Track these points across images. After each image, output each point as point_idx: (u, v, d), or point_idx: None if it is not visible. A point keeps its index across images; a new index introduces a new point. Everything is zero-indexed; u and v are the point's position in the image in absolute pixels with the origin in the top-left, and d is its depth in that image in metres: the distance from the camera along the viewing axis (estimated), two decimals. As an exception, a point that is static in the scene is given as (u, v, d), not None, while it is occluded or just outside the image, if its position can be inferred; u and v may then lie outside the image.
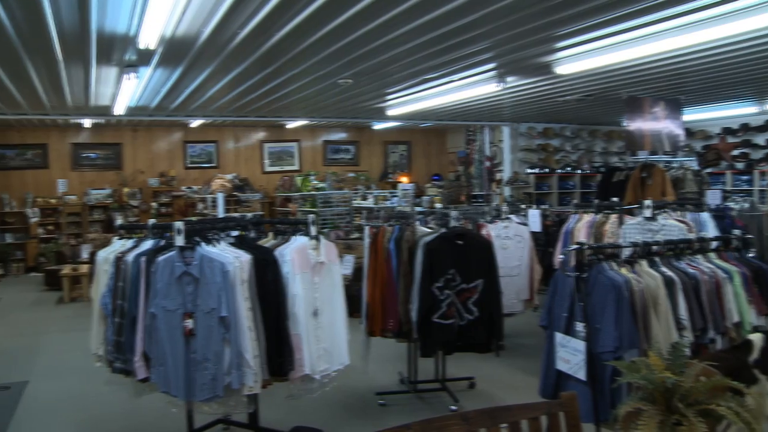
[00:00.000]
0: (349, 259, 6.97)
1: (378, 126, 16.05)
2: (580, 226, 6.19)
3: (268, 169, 17.18)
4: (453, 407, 5.55)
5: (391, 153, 18.56)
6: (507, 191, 13.94)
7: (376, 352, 5.93)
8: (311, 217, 4.69)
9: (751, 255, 4.42)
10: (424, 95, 10.05)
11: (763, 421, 3.43)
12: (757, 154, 12.48)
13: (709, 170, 12.35)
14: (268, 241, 4.72)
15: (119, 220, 12.57)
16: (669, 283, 3.90)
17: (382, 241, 5.51)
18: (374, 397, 5.87)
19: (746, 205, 8.73)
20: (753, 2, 5.34)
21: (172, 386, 4.04)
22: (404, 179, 16.80)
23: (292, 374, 4.32)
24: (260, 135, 16.99)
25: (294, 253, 4.36)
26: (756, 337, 3.42)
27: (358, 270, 6.46)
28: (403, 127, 16.52)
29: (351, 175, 16.39)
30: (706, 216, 5.91)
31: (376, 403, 5.79)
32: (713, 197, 7.96)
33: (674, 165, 8.70)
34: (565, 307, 3.99)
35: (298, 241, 4.51)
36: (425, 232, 5.54)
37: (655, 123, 8.63)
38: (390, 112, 12.32)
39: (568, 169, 14.50)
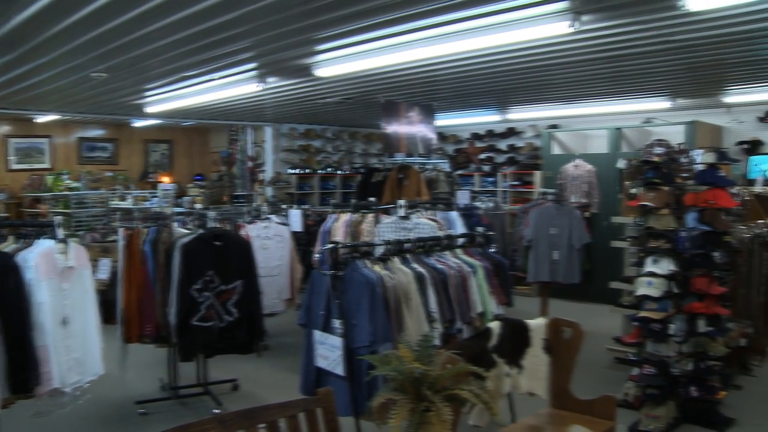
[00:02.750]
0: (106, 262, 6.59)
1: (138, 123, 15.30)
2: (338, 225, 6.35)
3: (14, 166, 15.70)
4: (216, 410, 5.45)
5: (152, 152, 17.79)
6: (269, 191, 13.94)
7: (134, 359, 5.69)
8: (57, 219, 4.37)
9: (492, 250, 4.78)
10: (184, 93, 9.74)
11: (500, 400, 3.74)
12: (500, 158, 13.56)
13: (459, 172, 13.18)
14: (8, 246, 4.31)
15: None
16: (420, 278, 4.11)
17: (137, 243, 5.29)
18: (134, 406, 5.60)
19: (491, 205, 9.48)
20: (496, 21, 5.77)
21: None
22: (165, 179, 16.21)
23: (38, 389, 3.97)
24: (4, 129, 15.49)
25: (38, 258, 4.02)
26: (495, 325, 3.71)
27: (115, 274, 6.13)
28: (165, 125, 15.88)
29: (109, 174, 15.51)
30: (455, 215, 6.31)
31: (135, 412, 5.52)
32: (463, 197, 8.54)
33: (428, 167, 9.19)
34: (322, 305, 4.06)
35: (43, 244, 4.17)
36: (183, 233, 5.39)
37: (411, 127, 9.08)
38: (149, 110, 11.80)
39: (330, 169, 14.80)
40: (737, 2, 5.17)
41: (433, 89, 9.49)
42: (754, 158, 10.17)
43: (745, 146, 10.34)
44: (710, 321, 5.21)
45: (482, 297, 4.42)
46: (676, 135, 8.79)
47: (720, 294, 5.18)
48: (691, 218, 5.25)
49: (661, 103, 10.43)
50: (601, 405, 3.85)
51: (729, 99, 9.97)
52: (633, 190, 5.89)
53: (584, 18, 5.60)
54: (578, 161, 10.13)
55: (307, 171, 14.45)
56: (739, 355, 6.39)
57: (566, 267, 7.60)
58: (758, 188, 7.69)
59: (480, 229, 4.92)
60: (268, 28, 5.98)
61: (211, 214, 5.70)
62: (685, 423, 5.23)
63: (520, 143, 13.35)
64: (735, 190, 6.12)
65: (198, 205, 12.26)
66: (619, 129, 10.25)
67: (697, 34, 6.19)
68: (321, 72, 7.93)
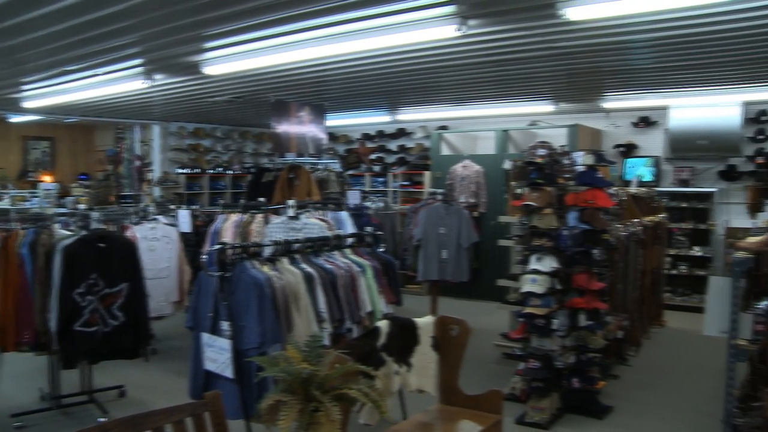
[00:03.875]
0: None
1: (15, 119, 14.52)
2: (227, 226, 6.25)
3: None
4: (101, 419, 5.23)
5: (32, 149, 16.92)
6: (157, 191, 13.56)
7: (10, 370, 5.44)
8: None
9: (381, 249, 4.82)
10: (66, 88, 9.32)
11: (390, 398, 3.78)
12: (390, 159, 13.69)
13: (350, 172, 13.22)
14: None
15: None
16: (308, 278, 4.10)
17: (13, 246, 5.02)
18: (9, 420, 5.29)
19: (381, 205, 9.55)
20: (385, 23, 5.82)
21: None
22: (47, 178, 15.50)
23: None
24: None
25: None
26: (383, 324, 3.74)
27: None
28: (46, 121, 15.10)
29: (-19, 173, 14.70)
30: (345, 215, 6.33)
31: (11, 426, 5.23)
32: (353, 197, 8.55)
33: (319, 167, 9.17)
34: (210, 307, 3.99)
35: None
36: (64, 235, 5.17)
37: (301, 127, 9.04)
38: (27, 104, 11.23)
39: (220, 169, 14.53)
40: (613, 14, 5.43)
41: (323, 89, 9.48)
42: (630, 161, 10.69)
43: (622, 149, 10.86)
44: (590, 315, 5.44)
45: (371, 296, 4.45)
46: (559, 137, 9.12)
47: (599, 289, 5.42)
48: (572, 217, 5.46)
49: (545, 107, 10.79)
50: (488, 399, 3.95)
51: (607, 104, 10.43)
52: (518, 191, 6.08)
53: (471, 22, 5.72)
54: (467, 162, 10.35)
55: (197, 171, 14.14)
56: (617, 347, 6.71)
57: (455, 266, 7.75)
58: (633, 189, 8.07)
59: (369, 228, 4.95)
60: (155, 24, 5.82)
61: (95, 214, 5.48)
62: (568, 413, 5.45)
63: (410, 144, 13.53)
64: (612, 190, 6.40)
65: (82, 206, 11.78)
66: (505, 131, 10.55)
67: (577, 42, 6.44)
68: (210, 70, 7.78)
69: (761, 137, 9.74)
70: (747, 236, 4.74)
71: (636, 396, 5.97)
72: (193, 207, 8.77)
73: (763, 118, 9.78)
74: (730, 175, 10.03)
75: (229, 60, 7.32)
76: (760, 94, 9.19)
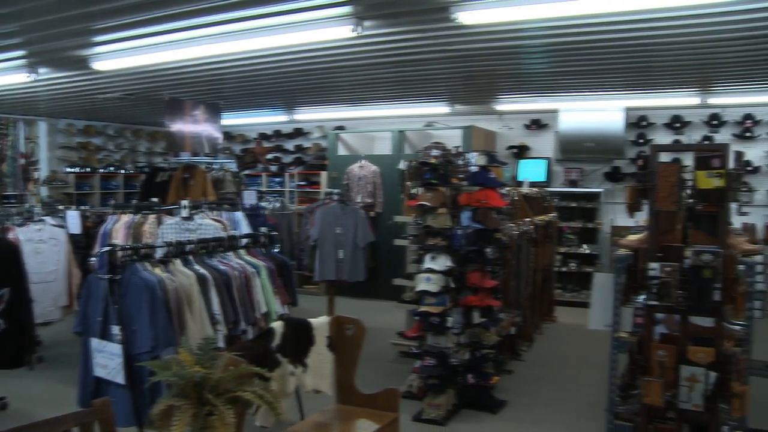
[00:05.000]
0: None
1: None
2: (118, 227, 6.07)
3: None
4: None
5: None
6: (44, 191, 13.00)
7: None
8: None
9: (276, 250, 4.79)
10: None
11: (285, 399, 3.76)
12: (287, 159, 13.61)
13: (246, 172, 13.06)
14: None
15: None
16: (202, 280, 4.03)
17: None
18: None
19: (278, 205, 9.48)
20: (281, 22, 5.79)
21: None
22: None
23: None
24: None
25: None
26: (277, 325, 3.72)
27: None
28: None
29: None
30: (240, 215, 6.25)
31: None
32: (249, 197, 8.46)
33: (215, 166, 9.02)
34: (99, 311, 3.86)
35: None
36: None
37: (196, 125, 8.85)
38: None
39: (111, 168, 14.06)
40: (505, 20, 5.59)
41: (219, 88, 9.35)
42: (522, 161, 11.01)
43: (515, 150, 11.17)
44: (484, 313, 5.57)
45: (266, 297, 4.42)
46: (454, 138, 9.31)
47: (492, 287, 5.56)
48: (465, 217, 5.58)
49: (441, 108, 10.99)
50: (385, 398, 3.98)
51: (501, 107, 10.73)
52: (413, 191, 6.16)
53: (367, 23, 5.77)
54: (363, 162, 10.42)
55: (87, 170, 13.63)
56: (510, 343, 6.90)
57: (351, 265, 7.77)
58: (525, 189, 8.31)
59: (264, 229, 4.91)
60: (38, 13, 5.58)
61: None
62: (464, 408, 5.56)
63: (307, 144, 13.49)
64: (505, 190, 6.58)
65: (-41, 207, 11.15)
66: (402, 131, 10.67)
67: (471, 45, 6.60)
68: (100, 65, 7.54)
69: (642, 141, 10.23)
70: (628, 234, 4.97)
71: (529, 389, 6.16)
72: (83, 207, 8.44)
73: (644, 123, 10.30)
74: (614, 176, 10.52)
75: (120, 55, 7.12)
76: (640, 100, 9.74)
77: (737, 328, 3.92)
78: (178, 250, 4.18)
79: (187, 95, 9.33)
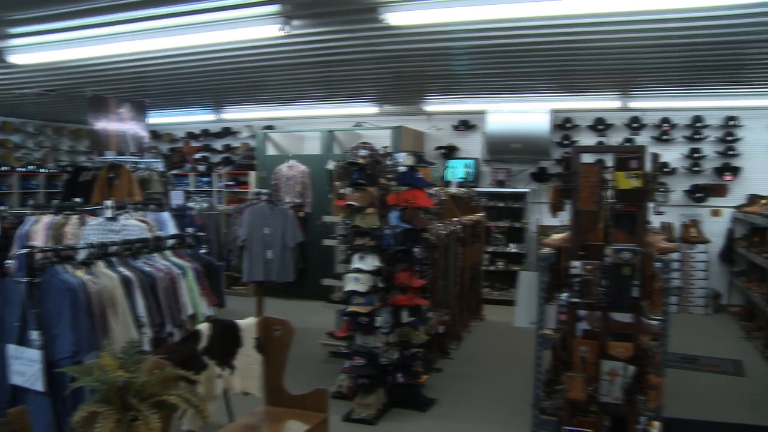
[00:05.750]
0: None
1: None
2: (38, 228, 5.87)
3: None
4: None
5: None
6: (-42, 191, 12.51)
7: None
8: None
9: (203, 251, 4.72)
10: None
11: (213, 402, 3.72)
12: (216, 158, 13.43)
13: (174, 172, 12.83)
14: None
15: None
16: (126, 282, 3.94)
17: None
18: None
19: (205, 205, 9.36)
20: (207, 19, 5.71)
21: None
22: None
23: None
24: None
25: None
26: (204, 327, 3.68)
27: None
28: None
29: None
30: (167, 215, 6.13)
31: None
32: (176, 197, 8.32)
33: (141, 166, 8.83)
34: (16, 315, 3.73)
35: None
36: None
37: (121, 124, 8.65)
38: None
39: (31, 167, 13.61)
40: (433, 21, 5.65)
41: (145, 85, 9.17)
42: (450, 162, 11.13)
43: (443, 151, 11.29)
44: (412, 312, 5.62)
45: (193, 299, 4.35)
46: (383, 138, 9.36)
47: (420, 286, 5.61)
48: (393, 217, 5.62)
49: (370, 109, 11.02)
50: (314, 398, 3.99)
51: (429, 107, 10.82)
52: (342, 191, 6.17)
53: (295, 23, 5.74)
54: (292, 162, 10.38)
55: (4, 169, 13.16)
56: (439, 341, 6.98)
57: (280, 266, 7.73)
58: (453, 189, 8.42)
59: (191, 230, 4.84)
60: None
61: None
62: (394, 407, 5.61)
63: (235, 143, 13.33)
64: (433, 190, 6.65)
65: None
66: (331, 131, 10.66)
67: (399, 46, 6.64)
68: (16, 59, 7.27)
69: (567, 142, 10.48)
70: (553, 233, 5.09)
71: (458, 387, 6.24)
72: (1, 208, 8.16)
73: (569, 125, 10.55)
74: (541, 176, 10.74)
75: (39, 49, 6.88)
76: (566, 103, 9.98)
77: (654, 323, 4.05)
78: (102, 252, 4.07)
79: (112, 92, 9.11)
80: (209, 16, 5.63)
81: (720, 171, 9.93)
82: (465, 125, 11.29)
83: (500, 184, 10.94)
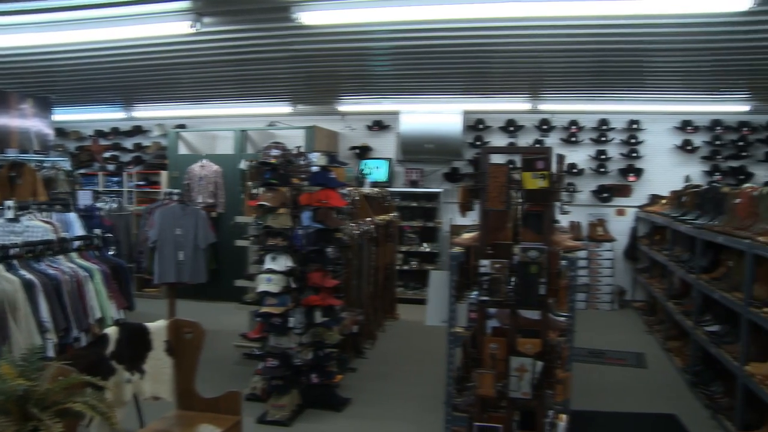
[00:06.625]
0: None
1: None
2: (-67, 230, 5.61)
3: None
4: None
5: None
6: None
7: None
8: None
9: (111, 253, 4.61)
10: None
11: (122, 408, 3.63)
12: (126, 157, 13.08)
13: (82, 171, 12.43)
14: None
15: None
16: (28, 286, 3.81)
17: None
18: None
19: (115, 206, 9.12)
20: (116, 14, 5.59)
21: None
22: None
23: None
24: None
25: None
26: (112, 330, 3.58)
27: None
28: None
29: None
30: (73, 216, 5.95)
31: None
32: (84, 198, 8.07)
33: (46, 165, 8.55)
34: None
35: None
36: None
37: (24, 120, 8.36)
38: None
39: (-74, 166, 12.98)
40: (346, 21, 5.67)
41: (49, 80, 8.87)
42: (365, 162, 11.19)
43: (357, 151, 11.33)
44: (326, 312, 5.62)
45: (100, 302, 4.25)
46: (297, 138, 9.32)
47: (334, 286, 5.63)
48: (306, 217, 5.61)
49: (284, 108, 10.96)
50: (226, 401, 3.94)
51: (343, 107, 10.85)
52: (254, 191, 6.12)
53: (206, 20, 5.68)
54: (205, 162, 10.22)
55: None
56: (354, 341, 7.00)
57: (192, 267, 7.61)
58: (366, 189, 8.46)
59: (97, 231, 4.71)
60: None
61: None
62: (309, 408, 5.59)
63: (146, 142, 13.01)
64: (346, 190, 6.67)
65: None
66: (244, 131, 10.54)
67: (314, 46, 6.64)
68: None
69: (479, 143, 10.68)
70: (463, 233, 5.18)
71: (372, 386, 6.28)
72: None
73: (481, 126, 10.75)
74: (453, 176, 10.91)
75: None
76: (477, 104, 10.18)
77: (562, 319, 4.18)
78: (2, 255, 3.93)
79: (13, 87, 8.79)
80: (119, 10, 5.51)
81: (624, 172, 10.33)
82: (379, 125, 11.36)
83: (414, 184, 11.05)
